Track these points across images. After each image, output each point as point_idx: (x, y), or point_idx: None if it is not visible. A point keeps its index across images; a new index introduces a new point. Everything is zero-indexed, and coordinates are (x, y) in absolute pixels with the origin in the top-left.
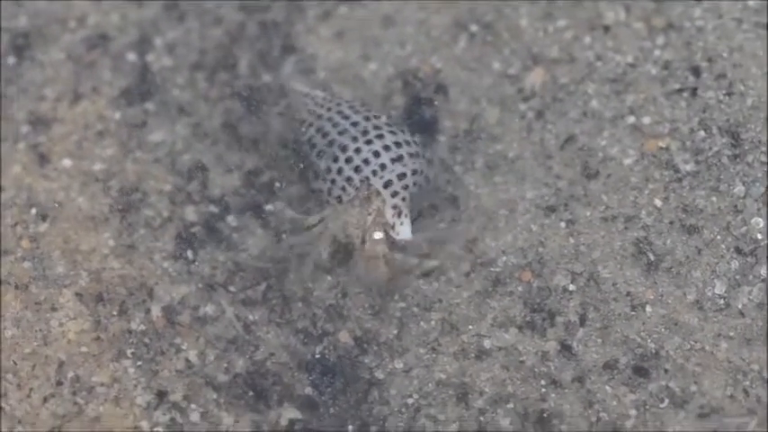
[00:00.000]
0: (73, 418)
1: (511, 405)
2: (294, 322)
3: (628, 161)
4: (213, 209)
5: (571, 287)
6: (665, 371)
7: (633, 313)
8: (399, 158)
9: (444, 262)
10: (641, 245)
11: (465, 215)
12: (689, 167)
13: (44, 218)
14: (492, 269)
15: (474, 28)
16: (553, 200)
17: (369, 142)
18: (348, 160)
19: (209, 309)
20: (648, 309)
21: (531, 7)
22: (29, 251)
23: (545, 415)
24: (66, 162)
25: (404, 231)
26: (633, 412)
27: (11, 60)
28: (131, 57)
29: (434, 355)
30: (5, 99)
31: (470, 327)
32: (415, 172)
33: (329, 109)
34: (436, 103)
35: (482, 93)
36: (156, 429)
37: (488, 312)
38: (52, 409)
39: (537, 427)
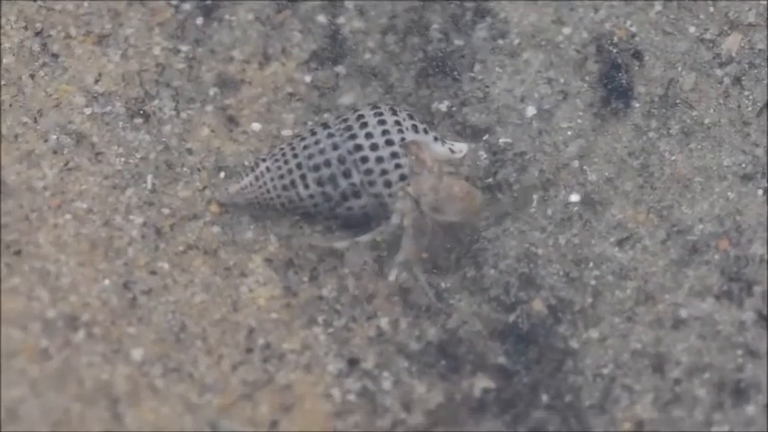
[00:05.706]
0: (263, 385)
1: (707, 375)
2: (487, 290)
3: None
4: None
5: None
6: None
7: None
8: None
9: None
10: None
11: (659, 182)
12: None
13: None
14: (688, 237)
15: None
16: (750, 167)
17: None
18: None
19: (401, 276)
20: None
21: None
22: (217, 216)
23: (741, 385)
24: (255, 125)
25: (459, 147)
26: None
27: (199, 21)
28: (321, 19)
29: (630, 325)
30: (194, 61)
31: (666, 296)
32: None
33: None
34: (636, 67)
35: (678, 58)
36: (347, 397)
37: (685, 281)
38: (242, 377)
39: (733, 398)
